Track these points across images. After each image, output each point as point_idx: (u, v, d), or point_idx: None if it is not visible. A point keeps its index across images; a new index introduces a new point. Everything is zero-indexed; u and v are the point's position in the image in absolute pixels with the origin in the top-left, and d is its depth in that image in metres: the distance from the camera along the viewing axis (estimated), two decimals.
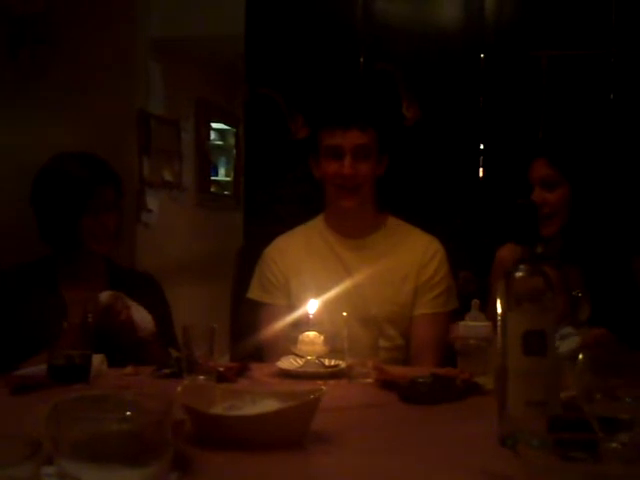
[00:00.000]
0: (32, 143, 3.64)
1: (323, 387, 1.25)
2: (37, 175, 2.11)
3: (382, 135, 2.15)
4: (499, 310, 1.25)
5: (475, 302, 1.69)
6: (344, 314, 1.74)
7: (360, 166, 2.09)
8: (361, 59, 3.41)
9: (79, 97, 3.96)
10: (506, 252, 2.05)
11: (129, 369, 1.73)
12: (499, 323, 1.24)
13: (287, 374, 1.72)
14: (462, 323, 1.68)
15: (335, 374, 1.71)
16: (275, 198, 3.34)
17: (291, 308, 2.07)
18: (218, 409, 1.20)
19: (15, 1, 3.85)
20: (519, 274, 1.24)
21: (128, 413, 1.08)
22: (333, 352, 1.77)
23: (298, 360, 1.77)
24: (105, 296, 1.89)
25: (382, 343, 1.97)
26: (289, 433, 1.14)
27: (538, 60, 3.13)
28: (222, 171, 6.10)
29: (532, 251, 1.29)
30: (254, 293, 2.21)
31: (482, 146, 3.26)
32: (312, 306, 1.81)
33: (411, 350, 2.11)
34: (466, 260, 2.80)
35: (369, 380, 1.64)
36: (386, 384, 1.56)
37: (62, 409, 0.97)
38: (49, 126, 3.86)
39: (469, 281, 2.76)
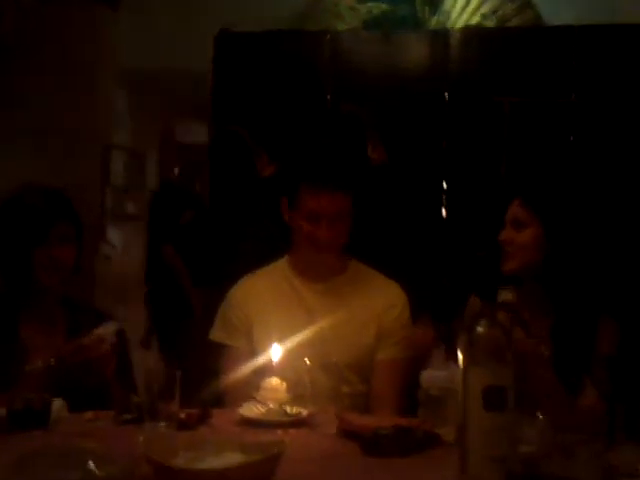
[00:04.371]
0: None
1: (285, 439, 1.25)
2: None
3: (357, 193, 2.13)
4: (459, 365, 1.27)
5: (437, 350, 1.70)
6: (306, 361, 1.74)
7: (338, 228, 2.09)
8: (328, 98, 3.46)
9: (44, 129, 3.93)
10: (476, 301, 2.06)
11: (89, 414, 1.70)
12: (459, 378, 1.26)
13: (249, 422, 1.71)
14: (424, 372, 1.69)
15: (297, 422, 1.70)
16: (239, 236, 3.34)
17: (253, 352, 2.06)
18: (180, 460, 1.19)
19: None
20: (479, 329, 1.26)
21: (90, 464, 1.07)
22: (295, 398, 1.77)
23: (259, 407, 1.76)
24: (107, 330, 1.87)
25: (344, 389, 1.97)
26: None
27: (501, 105, 3.20)
28: None
29: (491, 305, 1.32)
30: (216, 335, 2.20)
31: (445, 186, 3.31)
32: (275, 352, 1.81)
33: (371, 396, 2.11)
34: (428, 303, 2.83)
35: (331, 429, 1.64)
36: (348, 434, 1.57)
37: (26, 464, 0.96)
38: (11, 158, 3.83)
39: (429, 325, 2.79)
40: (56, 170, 3.74)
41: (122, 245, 4.48)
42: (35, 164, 3.77)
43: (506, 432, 1.21)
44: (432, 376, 1.67)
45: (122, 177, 4.59)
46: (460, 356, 1.27)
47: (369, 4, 4.11)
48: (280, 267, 2.24)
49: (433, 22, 4.04)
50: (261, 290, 2.19)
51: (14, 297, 2.05)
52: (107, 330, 1.89)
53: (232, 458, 1.20)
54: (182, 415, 1.64)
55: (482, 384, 1.21)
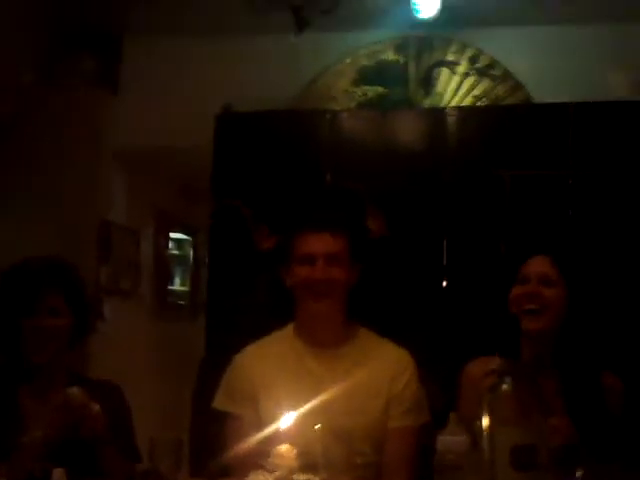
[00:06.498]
0: None
1: None
2: None
3: (354, 241, 2.15)
4: (484, 425, 1.23)
5: (453, 415, 1.65)
6: (317, 427, 1.68)
7: (332, 271, 2.08)
8: (327, 176, 3.48)
9: (42, 206, 3.94)
10: (476, 367, 2.03)
11: None
12: (485, 439, 1.21)
13: None
14: (440, 437, 1.63)
15: None
16: (238, 308, 3.30)
17: (259, 420, 2.00)
18: None
19: None
20: (505, 387, 1.23)
21: None
22: (306, 467, 1.70)
23: (267, 476, 1.69)
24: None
25: (357, 460, 1.91)
26: None
27: (501, 179, 3.23)
28: (178, 281, 6.05)
29: (516, 363, 1.29)
30: (220, 403, 2.14)
31: (445, 260, 3.30)
32: (284, 420, 1.74)
33: (383, 465, 2.04)
34: (431, 375, 2.78)
35: None
36: None
37: None
38: (9, 234, 3.80)
39: (437, 397, 2.73)
40: (54, 247, 3.70)
41: (115, 321, 4.40)
42: (33, 241, 3.73)
43: None
44: (447, 440, 1.61)
45: (118, 253, 4.56)
46: (484, 416, 1.23)
47: (364, 87, 4.17)
48: (285, 335, 2.20)
49: (427, 104, 4.10)
50: (266, 357, 2.15)
51: (12, 370, 1.99)
52: (75, 391, 1.82)
53: None
54: None
55: (510, 443, 1.17)
